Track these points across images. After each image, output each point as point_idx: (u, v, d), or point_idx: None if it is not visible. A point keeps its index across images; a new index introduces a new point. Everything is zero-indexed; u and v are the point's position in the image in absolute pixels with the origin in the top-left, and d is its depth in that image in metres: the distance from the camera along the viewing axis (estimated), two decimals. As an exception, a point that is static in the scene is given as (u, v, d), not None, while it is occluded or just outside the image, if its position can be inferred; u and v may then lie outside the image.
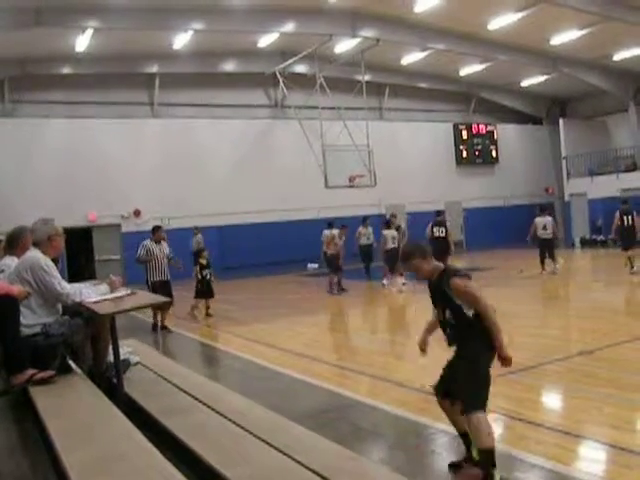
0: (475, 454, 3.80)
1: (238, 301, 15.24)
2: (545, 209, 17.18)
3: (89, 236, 21.14)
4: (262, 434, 3.61)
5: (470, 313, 3.93)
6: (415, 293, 15.89)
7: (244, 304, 14.80)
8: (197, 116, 22.99)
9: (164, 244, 10.99)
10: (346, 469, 3.16)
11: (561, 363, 6.76)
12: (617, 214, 15.84)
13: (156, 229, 11.07)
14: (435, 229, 15.37)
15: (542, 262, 15.97)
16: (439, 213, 16.31)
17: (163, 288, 10.44)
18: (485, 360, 3.89)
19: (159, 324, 10.86)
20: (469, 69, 25.20)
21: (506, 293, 13.71)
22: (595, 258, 21.80)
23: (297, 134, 21.54)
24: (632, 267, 14.89)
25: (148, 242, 10.88)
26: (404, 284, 14.95)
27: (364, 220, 17.23)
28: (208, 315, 12.34)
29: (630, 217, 15.56)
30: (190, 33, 19.20)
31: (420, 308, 12.86)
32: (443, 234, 15.24)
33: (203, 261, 12.39)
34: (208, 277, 12.23)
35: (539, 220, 16.26)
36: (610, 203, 23.94)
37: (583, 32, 20.35)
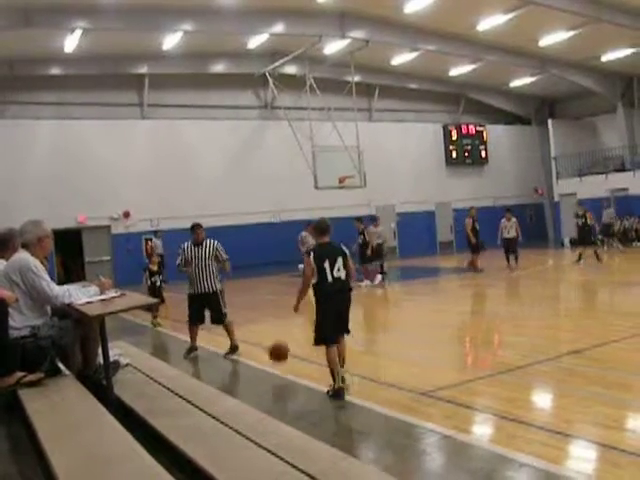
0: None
1: (228, 302, 15.15)
2: (509, 210, 18.77)
3: (79, 238, 21.03)
4: (253, 436, 3.61)
5: (314, 280, 5.83)
6: (404, 294, 15.91)
7: (234, 305, 14.72)
8: (187, 117, 22.90)
9: (208, 244, 8.69)
10: (337, 470, 3.17)
11: (550, 363, 6.79)
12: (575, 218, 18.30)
13: (194, 227, 8.73)
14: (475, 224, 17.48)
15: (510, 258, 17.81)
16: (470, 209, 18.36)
17: (203, 301, 8.72)
18: (320, 312, 6.01)
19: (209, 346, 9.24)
20: (458, 70, 25.25)
21: (496, 294, 13.77)
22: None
23: (287, 135, 21.49)
24: (578, 260, 17.56)
25: (187, 244, 8.77)
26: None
27: (375, 219, 17.68)
28: (155, 320, 11.99)
29: (583, 220, 18.01)
30: (180, 34, 19.13)
31: (410, 307, 12.91)
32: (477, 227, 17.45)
33: (154, 267, 12.61)
34: (158, 284, 12.44)
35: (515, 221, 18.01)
36: (600, 203, 24.08)
37: (571, 33, 20.47)
